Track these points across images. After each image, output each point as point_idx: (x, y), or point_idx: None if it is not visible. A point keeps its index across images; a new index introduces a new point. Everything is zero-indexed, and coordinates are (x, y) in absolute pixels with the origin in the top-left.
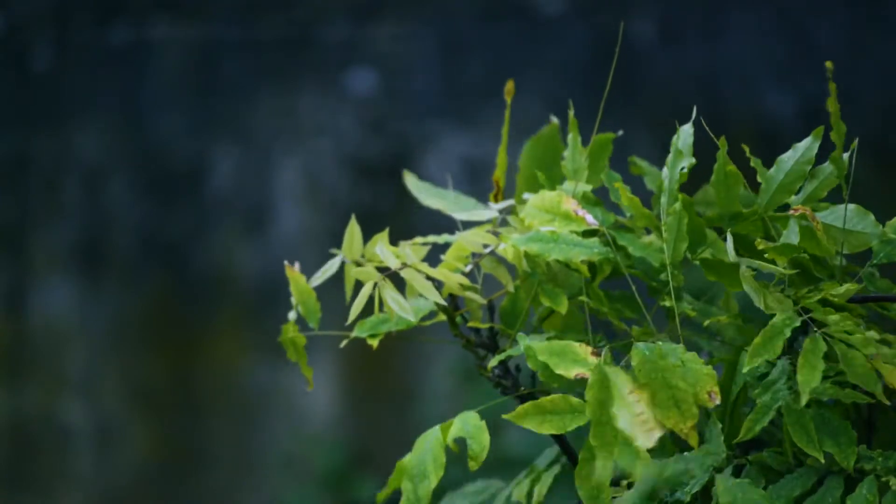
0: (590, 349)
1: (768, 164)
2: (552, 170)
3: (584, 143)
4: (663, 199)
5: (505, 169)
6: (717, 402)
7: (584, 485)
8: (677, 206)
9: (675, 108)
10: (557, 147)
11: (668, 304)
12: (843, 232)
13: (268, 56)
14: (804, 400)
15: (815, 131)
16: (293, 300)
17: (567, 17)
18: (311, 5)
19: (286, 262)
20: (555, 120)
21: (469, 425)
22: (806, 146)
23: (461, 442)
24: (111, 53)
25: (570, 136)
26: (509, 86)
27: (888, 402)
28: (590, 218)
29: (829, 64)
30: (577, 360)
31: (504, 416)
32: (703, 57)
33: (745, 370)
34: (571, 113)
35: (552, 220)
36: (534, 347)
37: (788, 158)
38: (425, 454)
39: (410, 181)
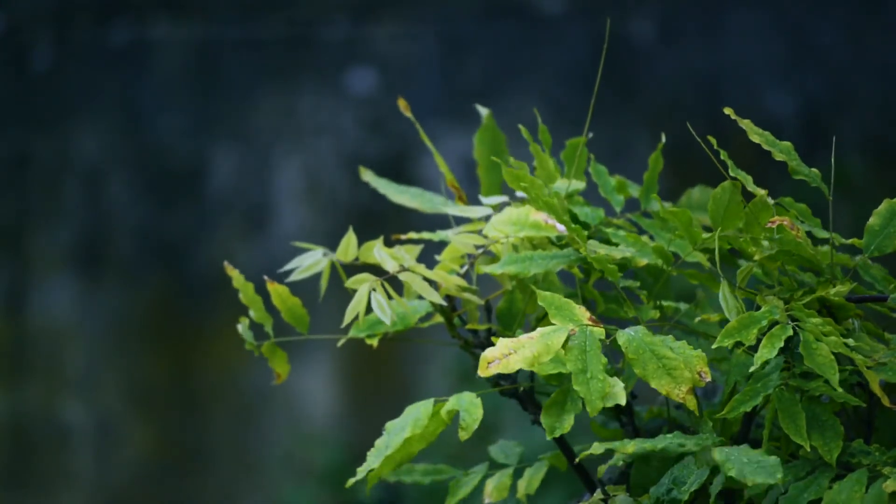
0: (588, 313)
1: (771, 162)
2: (493, 167)
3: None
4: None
5: (450, 175)
6: (708, 379)
7: (548, 417)
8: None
9: (676, 108)
10: (497, 140)
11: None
12: (830, 231)
13: (268, 56)
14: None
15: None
16: (249, 308)
17: (567, 17)
18: (311, 5)
19: (266, 278)
20: (484, 111)
21: (464, 400)
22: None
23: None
24: (111, 53)
25: (531, 147)
26: (402, 103)
27: (864, 404)
28: (560, 227)
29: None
30: (572, 317)
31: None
32: (703, 57)
33: (714, 346)
34: (540, 121)
35: (520, 231)
36: (541, 293)
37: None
38: (409, 416)
39: (371, 178)
